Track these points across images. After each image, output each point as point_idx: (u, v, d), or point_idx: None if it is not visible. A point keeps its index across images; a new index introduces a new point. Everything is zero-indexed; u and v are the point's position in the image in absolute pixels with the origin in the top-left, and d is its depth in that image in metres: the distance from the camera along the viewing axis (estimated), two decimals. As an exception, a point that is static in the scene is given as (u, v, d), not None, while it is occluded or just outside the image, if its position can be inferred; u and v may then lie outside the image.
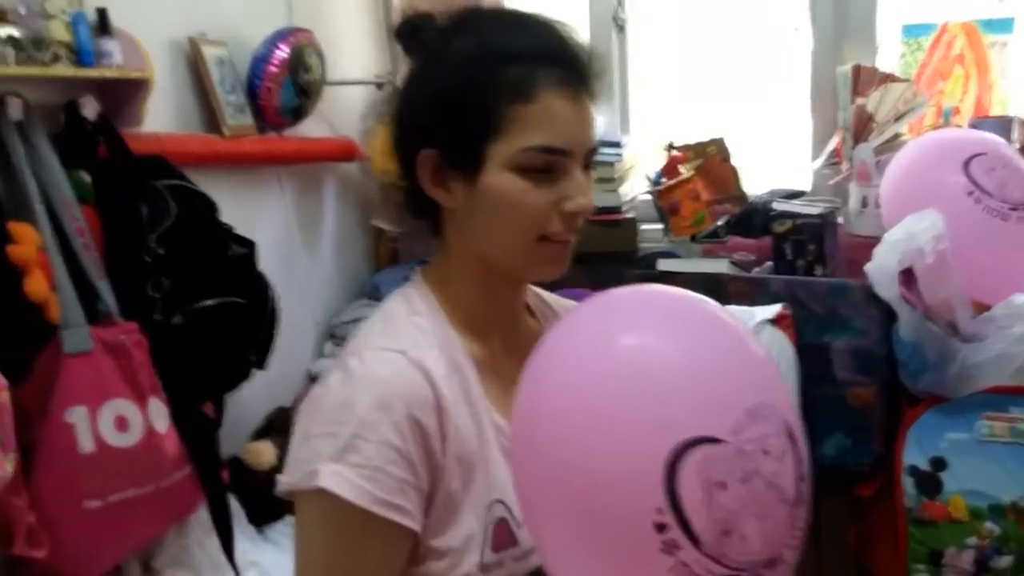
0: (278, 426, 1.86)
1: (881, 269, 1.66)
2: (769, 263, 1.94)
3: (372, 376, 0.83)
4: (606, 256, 2.01)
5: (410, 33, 0.94)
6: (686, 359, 0.70)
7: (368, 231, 2.30)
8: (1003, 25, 2.03)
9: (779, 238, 1.88)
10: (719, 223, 2.04)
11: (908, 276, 1.63)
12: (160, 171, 1.38)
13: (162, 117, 1.54)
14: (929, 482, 1.70)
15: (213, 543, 1.46)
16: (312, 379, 2.08)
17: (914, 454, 1.72)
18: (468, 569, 0.86)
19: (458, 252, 0.92)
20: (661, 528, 0.63)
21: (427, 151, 0.88)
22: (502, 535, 0.88)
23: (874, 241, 1.76)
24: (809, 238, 1.85)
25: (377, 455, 0.80)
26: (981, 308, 1.68)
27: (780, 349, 1.73)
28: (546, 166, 0.85)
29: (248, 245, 1.47)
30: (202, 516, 1.46)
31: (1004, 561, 1.66)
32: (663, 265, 1.96)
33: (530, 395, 0.77)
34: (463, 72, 0.86)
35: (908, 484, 1.71)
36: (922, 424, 1.73)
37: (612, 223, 2.04)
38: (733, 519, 0.64)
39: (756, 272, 1.95)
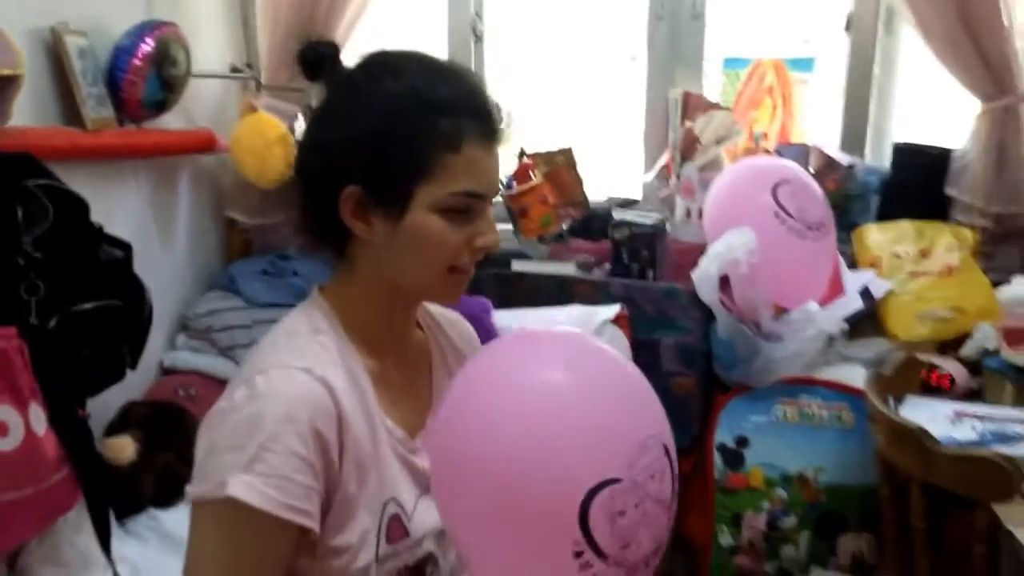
0: (132, 420, 1.83)
1: (703, 276, 1.86)
2: (607, 265, 2.12)
3: (278, 392, 0.87)
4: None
5: (317, 61, 0.98)
6: (591, 403, 0.84)
7: (221, 223, 2.28)
8: (806, 64, 2.33)
9: (617, 244, 2.07)
10: (564, 227, 2.22)
11: (725, 283, 1.84)
12: (31, 170, 1.34)
13: (22, 109, 1.48)
14: (734, 457, 1.92)
15: (82, 539, 1.46)
16: (164, 371, 2.06)
17: (723, 434, 1.93)
18: (366, 562, 0.92)
19: (366, 277, 0.98)
20: (578, 554, 0.79)
21: (352, 188, 0.92)
22: (395, 529, 0.96)
23: (696, 248, 1.95)
24: (643, 245, 2.04)
25: (284, 464, 0.84)
26: (781, 312, 1.90)
27: (618, 346, 1.92)
28: (465, 208, 0.93)
29: (125, 248, 1.46)
30: (70, 514, 1.45)
31: (789, 521, 1.89)
32: (517, 266, 2.10)
33: (453, 430, 0.88)
34: (395, 118, 0.91)
35: (717, 459, 1.92)
36: (730, 409, 1.95)
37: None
38: (630, 534, 0.81)
39: (595, 273, 2.14)
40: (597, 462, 0.80)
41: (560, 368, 0.89)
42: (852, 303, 1.89)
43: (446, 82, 0.94)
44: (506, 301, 2.03)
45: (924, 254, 1.90)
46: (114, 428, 1.81)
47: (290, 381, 0.88)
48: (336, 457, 0.89)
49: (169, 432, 1.80)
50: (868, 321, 1.92)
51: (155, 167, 1.98)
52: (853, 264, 2.04)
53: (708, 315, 1.94)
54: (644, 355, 1.96)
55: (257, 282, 2.15)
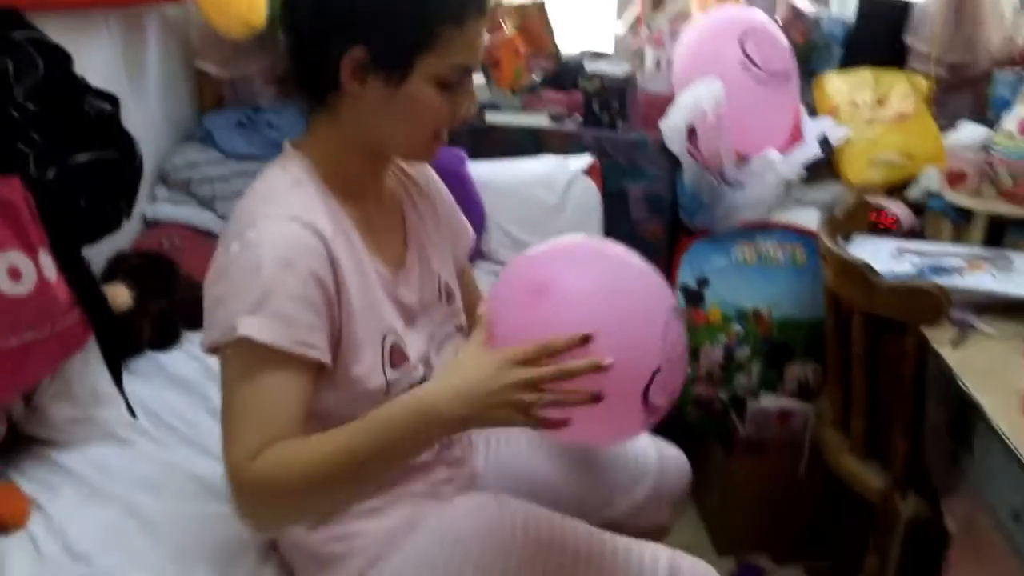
0: (123, 270, 1.90)
1: (671, 127, 1.92)
2: (578, 115, 2.17)
3: (272, 240, 0.92)
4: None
5: None
6: (628, 314, 0.96)
7: (192, 74, 2.27)
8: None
9: (588, 95, 2.12)
10: (535, 78, 2.25)
11: (692, 133, 1.91)
12: (16, 23, 1.35)
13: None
14: (695, 296, 2.04)
15: (92, 377, 1.55)
16: (148, 224, 2.11)
17: (686, 275, 2.04)
18: (376, 385, 1.03)
19: (349, 134, 1.02)
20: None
21: (357, 48, 0.95)
22: (397, 356, 1.06)
23: (665, 99, 2.00)
24: (613, 96, 2.09)
25: (288, 305, 0.90)
26: (743, 160, 1.98)
27: (590, 196, 2.01)
28: (458, 80, 0.99)
29: (112, 101, 1.48)
30: (80, 354, 1.54)
31: (743, 353, 2.03)
32: (490, 118, 2.14)
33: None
34: None
35: (680, 298, 2.04)
36: (693, 252, 2.05)
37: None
38: (672, 384, 0.99)
39: (567, 124, 2.19)
40: (644, 362, 0.94)
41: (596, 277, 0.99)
42: (810, 150, 1.97)
43: None
44: (480, 152, 2.09)
45: (880, 102, 1.97)
46: (104, 278, 1.87)
47: (282, 229, 0.93)
48: (334, 296, 0.97)
49: (160, 281, 1.87)
50: (825, 166, 2.01)
51: (124, 18, 1.95)
52: (813, 112, 2.11)
53: (675, 164, 2.02)
54: (614, 204, 2.06)
55: (233, 134, 2.17)
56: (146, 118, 2.08)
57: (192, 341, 1.81)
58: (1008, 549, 1.20)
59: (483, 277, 2.05)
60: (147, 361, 1.79)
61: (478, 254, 2.07)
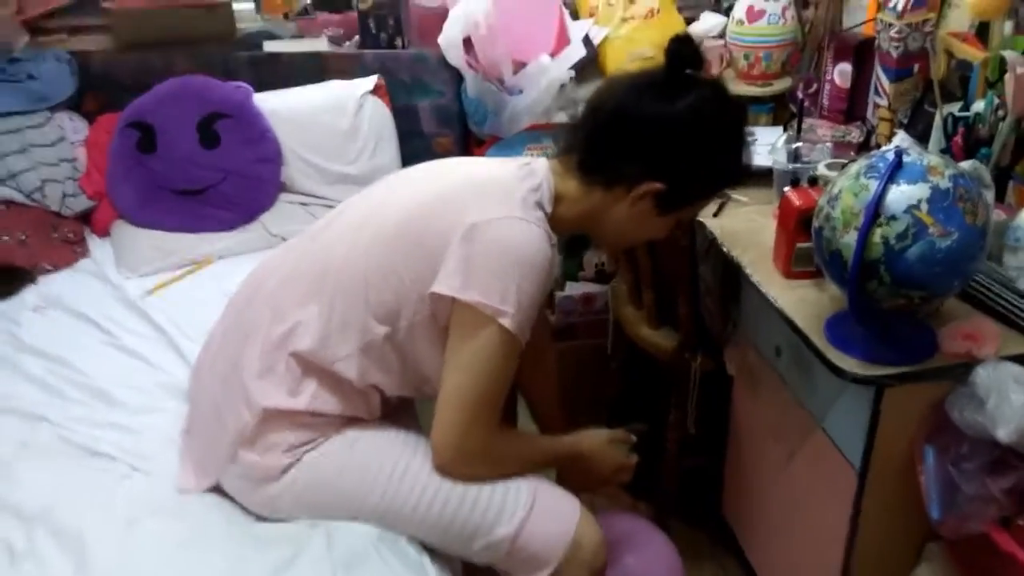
0: None
1: (448, 40, 1.97)
2: (356, 37, 2.17)
3: (541, 246, 1.10)
4: (208, 40, 2.08)
5: (686, 60, 1.12)
6: None
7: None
8: None
9: (363, 14, 2.11)
10: (307, 1, 2.20)
11: (468, 44, 1.97)
12: None
13: None
14: None
15: None
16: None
17: None
18: None
19: (592, 207, 1.17)
20: None
21: (659, 184, 1.12)
22: None
23: (439, 13, 2.04)
24: (388, 13, 2.10)
25: (533, 306, 1.10)
26: (519, 67, 2.05)
27: (381, 116, 2.04)
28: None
29: None
30: None
31: None
32: (269, 47, 2.09)
33: None
34: (729, 173, 1.20)
35: None
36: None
37: (206, 7, 2.07)
38: None
39: (347, 46, 2.19)
40: None
41: None
42: (576, 51, 2.07)
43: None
44: (264, 84, 2.06)
45: (631, 0, 2.11)
46: None
47: (544, 242, 1.11)
48: None
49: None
50: (591, 65, 2.11)
51: None
52: (576, 15, 2.22)
53: (458, 77, 2.08)
54: (405, 120, 2.11)
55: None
56: None
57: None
58: (775, 378, 1.43)
59: (288, 209, 2.05)
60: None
61: (280, 187, 2.05)
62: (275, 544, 1.13)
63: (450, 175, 1.21)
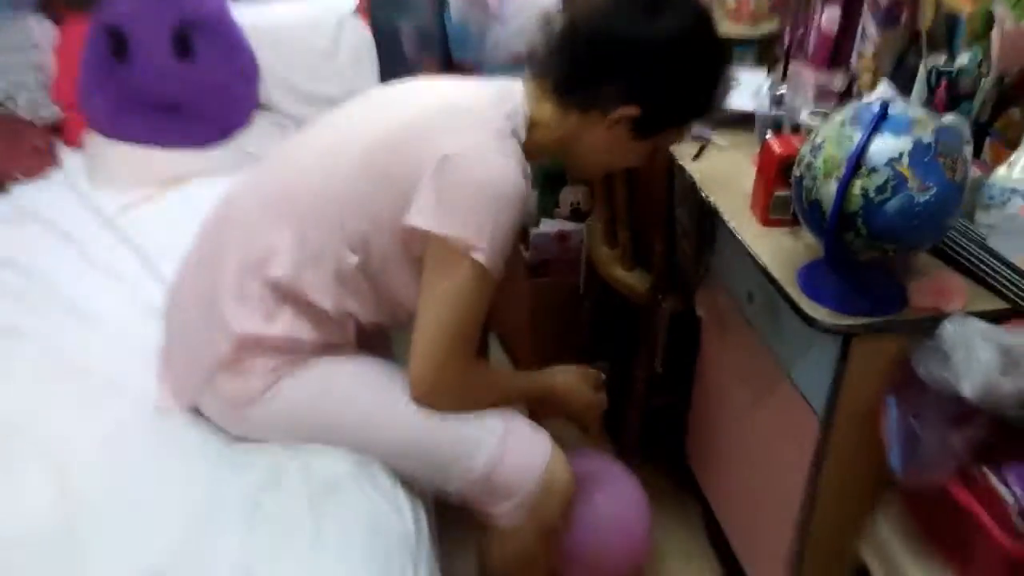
0: None
1: None
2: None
3: (516, 182, 1.08)
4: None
5: None
6: None
7: None
8: None
9: (345, -70, 2.05)
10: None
11: None
12: None
13: None
14: None
15: None
16: None
17: None
18: None
19: (568, 132, 1.16)
20: None
21: (633, 108, 1.11)
22: None
23: None
24: (371, -70, 2.05)
25: (507, 241, 1.10)
26: None
27: (362, 37, 1.99)
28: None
29: None
30: None
31: None
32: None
33: None
34: (713, 99, 1.16)
35: None
36: None
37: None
38: None
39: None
40: None
41: None
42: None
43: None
44: (240, -5, 1.99)
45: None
46: None
47: (518, 175, 1.09)
48: None
49: None
50: None
51: None
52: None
53: (442, 1, 2.02)
54: (386, 44, 2.06)
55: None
56: None
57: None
58: (744, 323, 1.45)
59: (267, 129, 2.01)
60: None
61: (256, 104, 2.01)
62: (251, 468, 1.14)
63: (421, 99, 1.19)
